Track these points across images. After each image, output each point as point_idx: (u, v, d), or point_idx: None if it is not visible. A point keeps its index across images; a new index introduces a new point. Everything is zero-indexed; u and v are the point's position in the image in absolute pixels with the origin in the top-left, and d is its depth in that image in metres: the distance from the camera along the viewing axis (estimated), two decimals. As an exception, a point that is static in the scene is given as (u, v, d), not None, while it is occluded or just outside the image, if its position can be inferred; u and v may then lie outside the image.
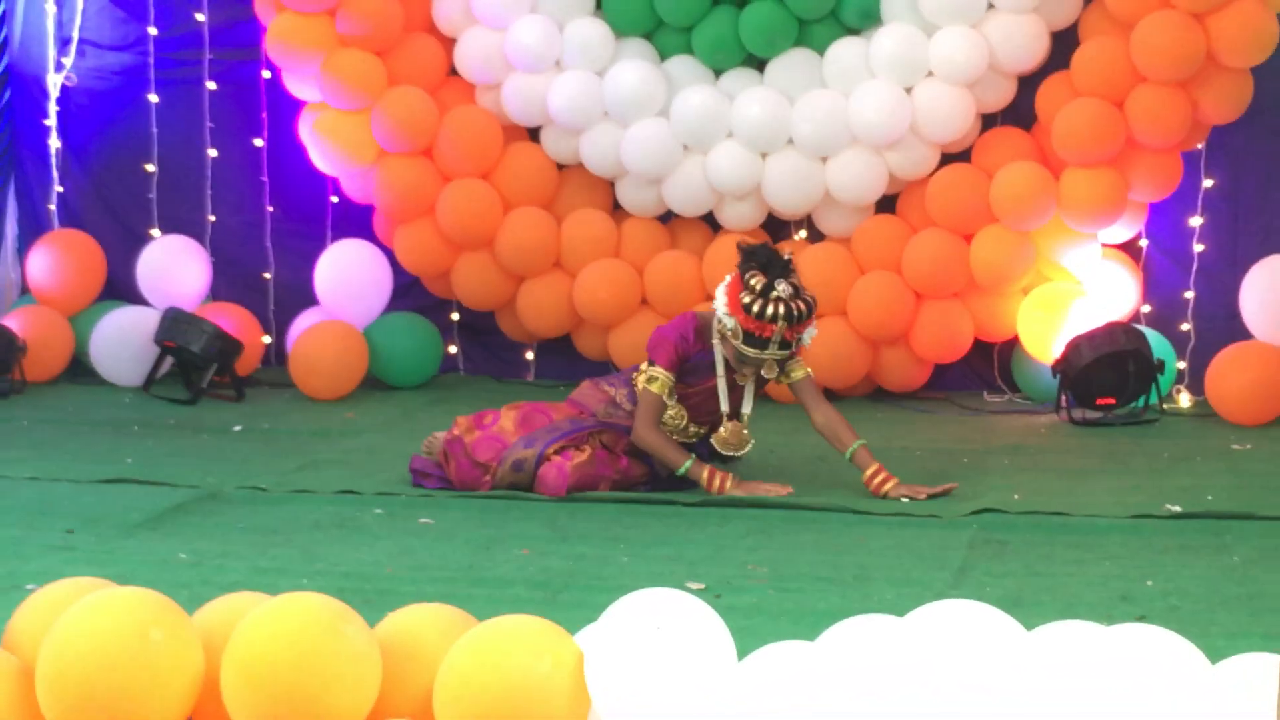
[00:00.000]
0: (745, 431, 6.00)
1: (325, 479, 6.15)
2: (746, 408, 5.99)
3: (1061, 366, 7.41)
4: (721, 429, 5.98)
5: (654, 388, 5.87)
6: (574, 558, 5.07)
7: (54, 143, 8.77)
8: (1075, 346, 7.38)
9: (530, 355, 8.58)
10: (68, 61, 8.71)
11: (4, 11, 8.65)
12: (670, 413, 5.94)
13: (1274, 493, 5.89)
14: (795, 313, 5.65)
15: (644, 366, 5.95)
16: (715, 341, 5.88)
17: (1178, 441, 6.94)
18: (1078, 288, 7.78)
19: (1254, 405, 7.24)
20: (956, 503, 5.74)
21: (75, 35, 8.70)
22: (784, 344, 5.74)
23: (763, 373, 5.84)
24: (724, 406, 5.94)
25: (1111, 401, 7.39)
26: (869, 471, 5.89)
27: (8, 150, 8.76)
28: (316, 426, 7.32)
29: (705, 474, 5.86)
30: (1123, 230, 7.83)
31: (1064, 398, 7.44)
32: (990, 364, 8.13)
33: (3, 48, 8.67)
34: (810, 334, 5.81)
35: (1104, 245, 7.85)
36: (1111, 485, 6.08)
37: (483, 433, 5.96)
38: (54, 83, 8.73)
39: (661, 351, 5.87)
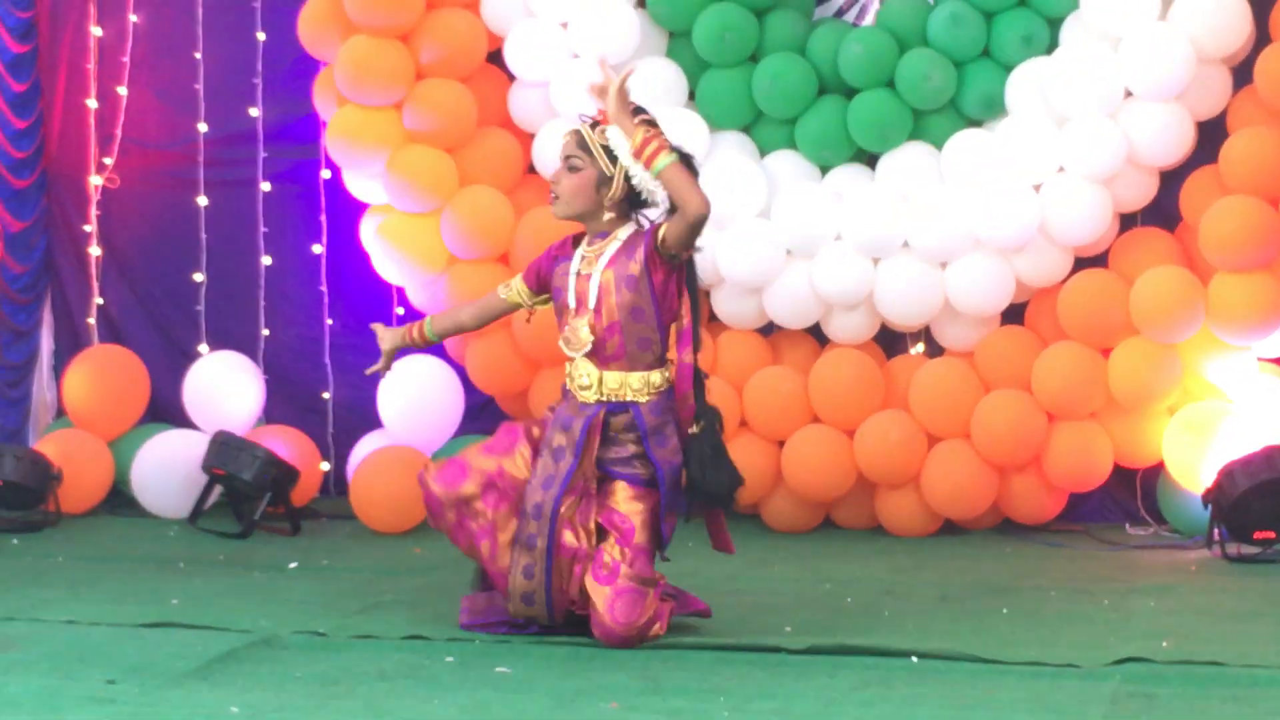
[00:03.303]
0: (586, 327, 5.95)
1: (391, 622, 6.16)
2: (591, 299, 5.94)
3: (1213, 496, 7.36)
4: (565, 329, 6.03)
5: (499, 290, 6.27)
6: (669, 713, 5.05)
7: (94, 250, 8.92)
8: (1228, 473, 7.33)
9: (616, 483, 8.59)
10: (110, 162, 8.88)
11: (41, 108, 8.82)
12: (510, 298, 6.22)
13: None
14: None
15: None
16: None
17: (1347, 580, 6.88)
18: (1230, 407, 7.74)
19: None
20: (1098, 650, 5.69)
21: (118, 133, 8.87)
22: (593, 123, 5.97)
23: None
24: (571, 301, 5.97)
25: (1271, 535, 7.32)
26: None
27: (44, 259, 8.91)
28: (380, 563, 7.34)
29: None
30: (1280, 342, 7.81)
31: (1217, 531, 7.38)
32: (1132, 493, 8.08)
33: (40, 149, 8.84)
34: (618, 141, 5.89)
35: (1259, 359, 7.82)
36: (1273, 631, 6.01)
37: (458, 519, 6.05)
38: (95, 185, 8.89)
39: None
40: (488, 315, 6.40)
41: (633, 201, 5.98)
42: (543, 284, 6.12)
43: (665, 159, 5.76)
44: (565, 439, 5.94)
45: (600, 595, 5.85)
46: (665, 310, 5.95)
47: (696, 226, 5.78)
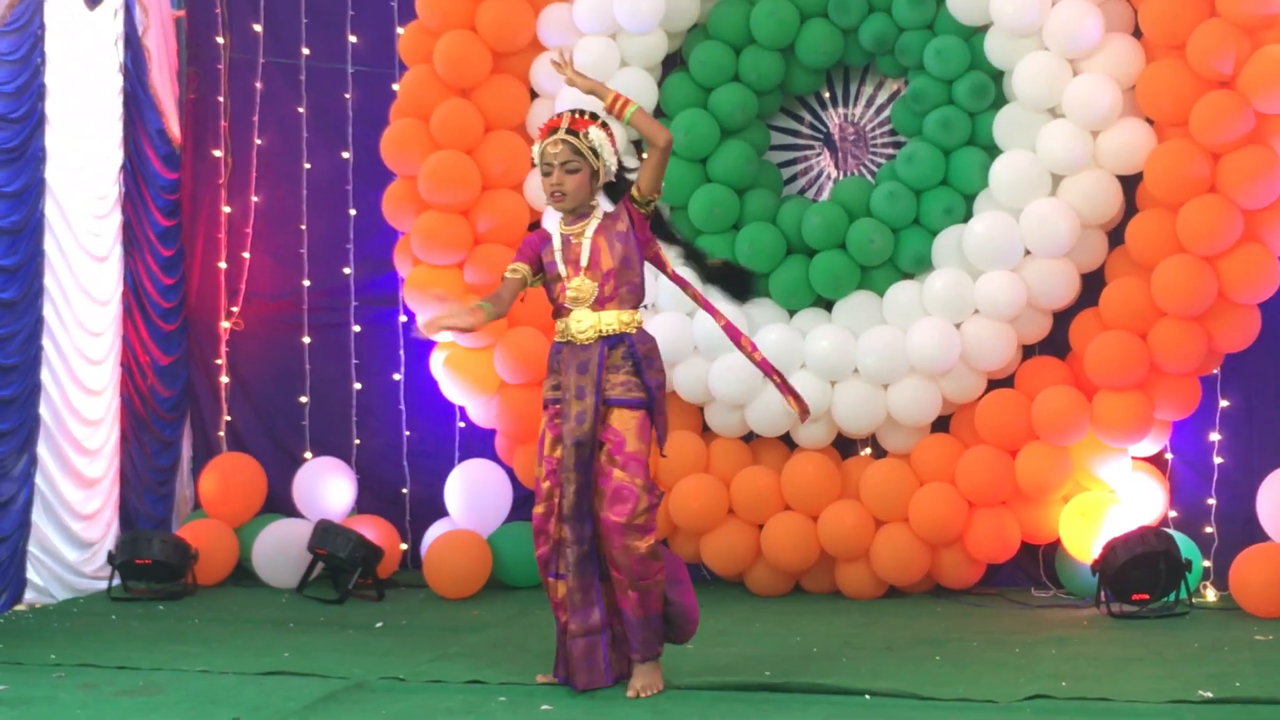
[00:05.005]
0: (589, 281, 5.80)
1: (455, 669, 6.16)
2: (584, 260, 5.82)
3: (1100, 566, 7.35)
4: (568, 288, 5.82)
5: (509, 274, 5.85)
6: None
7: (224, 379, 8.97)
8: (1112, 548, 7.33)
9: (631, 558, 8.57)
10: (236, 310, 8.95)
11: (183, 269, 8.90)
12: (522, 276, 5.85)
13: (1295, 679, 5.80)
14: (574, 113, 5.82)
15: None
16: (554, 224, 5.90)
17: (1206, 633, 6.84)
18: (1112, 496, 7.74)
19: (1274, 600, 7.14)
20: (1011, 689, 5.69)
21: (243, 287, 8.95)
22: (570, 131, 5.77)
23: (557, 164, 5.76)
24: (563, 269, 5.82)
25: (1145, 597, 7.30)
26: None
27: (185, 386, 8.96)
28: (447, 623, 7.33)
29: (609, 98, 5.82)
30: (1150, 445, 7.79)
31: (1103, 593, 7.36)
32: (1036, 563, 8.05)
33: (182, 301, 8.91)
34: (601, 141, 5.79)
35: (1134, 458, 7.81)
36: (1149, 673, 6.01)
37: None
38: (224, 328, 8.96)
39: (517, 255, 5.91)
40: (513, 292, 5.87)
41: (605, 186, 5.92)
42: (535, 263, 5.89)
43: (632, 107, 5.77)
44: (585, 379, 5.76)
45: (600, 496, 5.71)
46: (644, 256, 5.91)
47: (667, 152, 5.76)
